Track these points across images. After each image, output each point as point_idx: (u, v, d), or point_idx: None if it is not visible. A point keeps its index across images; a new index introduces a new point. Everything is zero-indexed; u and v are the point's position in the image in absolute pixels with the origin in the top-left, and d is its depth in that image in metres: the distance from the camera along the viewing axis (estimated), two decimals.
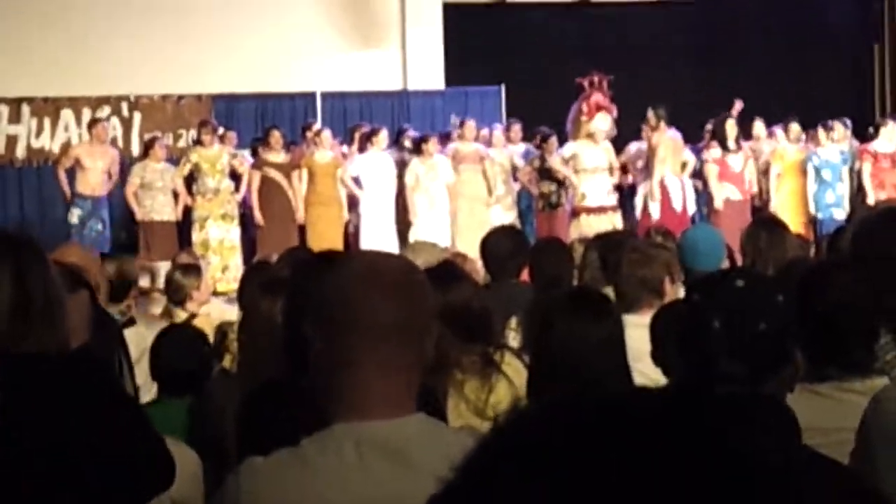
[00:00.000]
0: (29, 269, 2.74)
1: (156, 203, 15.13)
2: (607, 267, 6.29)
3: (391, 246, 13.63)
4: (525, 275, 6.61)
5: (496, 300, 5.21)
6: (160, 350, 5.12)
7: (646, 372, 4.24)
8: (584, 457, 0.98)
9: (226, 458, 3.41)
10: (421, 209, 14.98)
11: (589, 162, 14.80)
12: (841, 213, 14.70)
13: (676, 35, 19.78)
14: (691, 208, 14.66)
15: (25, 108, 16.77)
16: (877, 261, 3.79)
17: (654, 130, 14.57)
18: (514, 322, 5.61)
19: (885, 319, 3.55)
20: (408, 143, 15.71)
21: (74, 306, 3.01)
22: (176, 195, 15.22)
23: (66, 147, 15.99)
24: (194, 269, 8.04)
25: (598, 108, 14.77)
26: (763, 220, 8.53)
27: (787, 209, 15.11)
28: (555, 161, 15.01)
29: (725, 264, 6.66)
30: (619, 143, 15.30)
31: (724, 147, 14.86)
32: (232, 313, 7.47)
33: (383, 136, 15.40)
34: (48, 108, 16.80)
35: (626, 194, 15.33)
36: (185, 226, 15.25)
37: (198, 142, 15.46)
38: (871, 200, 14.80)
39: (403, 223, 15.16)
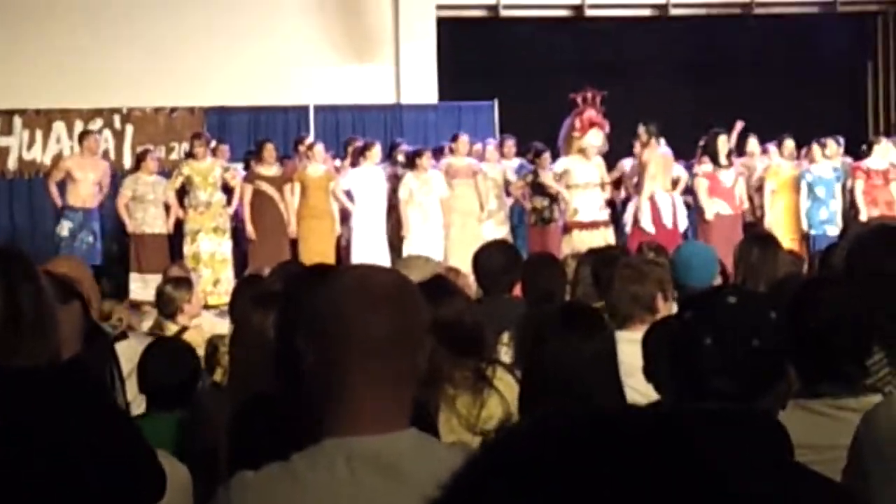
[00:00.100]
0: (19, 283, 2.74)
1: (147, 216, 15.12)
2: (600, 282, 6.30)
3: (383, 260, 13.64)
4: (517, 290, 6.61)
5: (488, 315, 5.21)
6: (148, 364, 5.09)
7: (638, 388, 4.24)
8: (572, 475, 0.98)
9: (216, 472, 3.40)
10: (414, 223, 14.99)
11: (581, 177, 14.84)
12: (834, 230, 14.74)
13: (671, 51, 19.82)
14: (682, 225, 14.69)
15: (17, 120, 16.74)
16: (870, 277, 3.80)
17: (644, 147, 14.61)
18: (506, 337, 5.61)
19: (878, 336, 3.55)
20: (401, 158, 15.72)
21: (66, 317, 3.01)
22: (168, 208, 15.21)
23: (58, 159, 15.97)
24: (185, 283, 8.04)
25: (591, 124, 14.82)
26: (755, 237, 8.55)
27: (780, 225, 15.17)
28: (547, 177, 15.05)
29: (718, 280, 6.67)
30: (611, 159, 15.33)
31: (716, 162, 14.90)
32: (223, 327, 7.47)
33: (376, 151, 15.41)
34: (40, 120, 16.79)
35: (618, 210, 15.35)
36: (176, 239, 15.24)
37: (190, 154, 15.46)
38: (863, 217, 14.84)
39: (396, 237, 15.16)
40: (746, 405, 2.58)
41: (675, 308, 5.17)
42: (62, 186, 15.00)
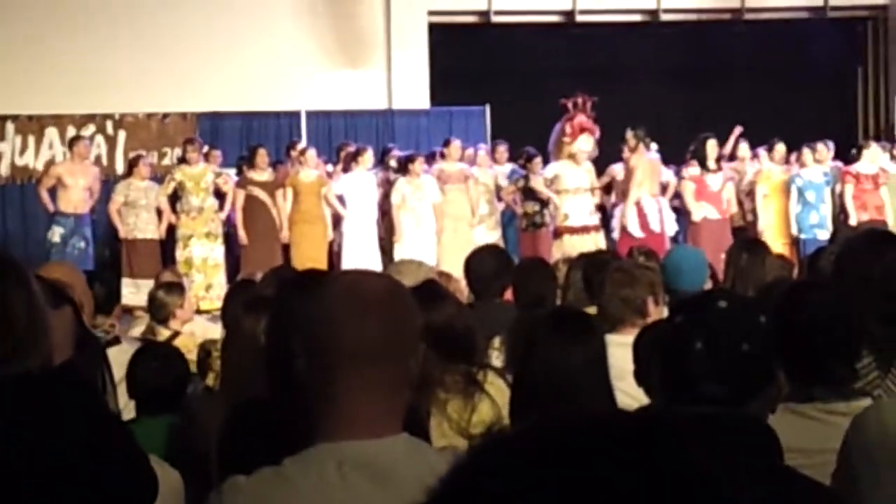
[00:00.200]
0: (10, 290, 2.74)
1: (139, 221, 15.11)
2: (591, 287, 6.31)
3: (374, 265, 13.63)
4: (509, 294, 6.62)
5: (480, 319, 5.21)
6: (137, 369, 5.09)
7: (628, 391, 4.24)
8: (563, 479, 0.98)
9: (208, 477, 3.40)
10: (407, 228, 14.98)
11: (571, 182, 14.85)
12: (824, 234, 14.75)
13: (662, 56, 19.84)
14: (670, 230, 14.71)
15: (9, 126, 16.73)
16: (859, 281, 3.81)
17: (632, 152, 14.64)
18: (497, 341, 5.61)
19: (867, 340, 3.56)
20: (393, 163, 15.72)
21: (58, 322, 3.01)
22: (160, 213, 15.21)
23: (50, 165, 15.96)
24: (177, 288, 8.03)
25: (582, 129, 14.83)
26: (744, 241, 8.57)
27: (771, 230, 15.18)
28: (537, 182, 15.06)
29: (709, 285, 6.68)
30: (602, 164, 15.34)
31: (703, 166, 14.93)
32: (215, 331, 7.46)
33: (368, 156, 15.41)
34: (32, 125, 16.77)
35: (609, 214, 15.37)
36: (168, 244, 15.23)
37: (183, 159, 15.45)
38: (853, 221, 14.87)
39: (389, 242, 15.16)
40: (737, 409, 2.59)
41: (665, 312, 5.18)
42: (53, 192, 14.98)
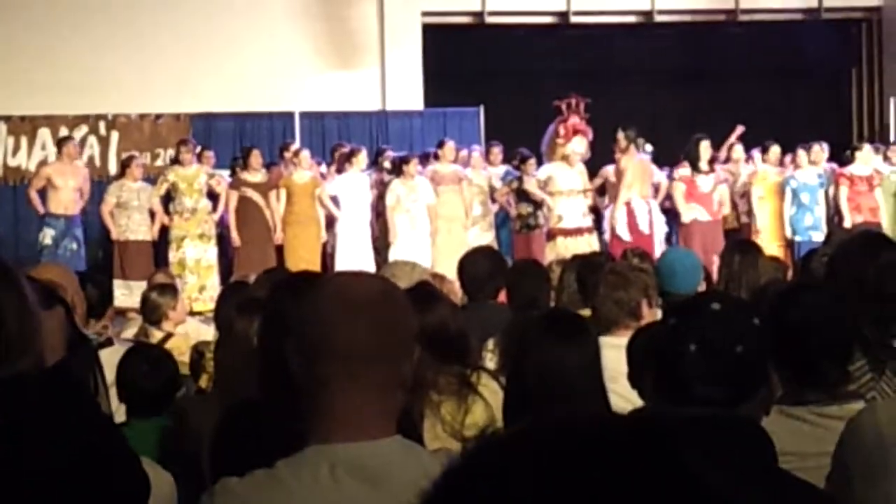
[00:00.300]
0: (1, 292, 2.73)
1: (131, 222, 15.10)
2: (585, 289, 6.31)
3: (368, 266, 13.63)
4: (503, 296, 6.61)
5: (473, 321, 5.21)
6: (126, 371, 5.06)
7: (622, 393, 4.24)
8: (556, 482, 0.98)
9: (201, 479, 3.39)
10: (402, 230, 14.98)
11: (564, 184, 14.86)
12: (819, 236, 14.74)
13: (657, 57, 19.87)
14: (659, 232, 14.72)
15: (2, 127, 16.71)
16: (852, 283, 3.81)
17: (623, 153, 14.65)
18: (491, 343, 5.61)
19: (860, 342, 3.56)
20: (387, 164, 15.72)
21: (50, 323, 3.00)
22: (153, 214, 15.19)
23: (42, 166, 15.94)
24: (170, 289, 8.02)
25: (575, 131, 14.84)
26: (737, 243, 8.58)
27: (767, 232, 15.19)
28: (530, 184, 15.06)
29: (703, 287, 6.68)
30: (595, 165, 15.35)
31: (695, 167, 14.94)
32: (208, 333, 7.46)
33: (362, 157, 15.41)
34: (25, 126, 16.75)
35: (602, 216, 15.38)
36: (161, 245, 15.22)
37: (176, 160, 15.43)
38: (847, 223, 14.88)
39: (383, 244, 15.16)
40: (731, 411, 2.59)
41: (659, 314, 5.18)
42: (43, 194, 14.95)
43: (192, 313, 11.72)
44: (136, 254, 15.01)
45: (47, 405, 2.71)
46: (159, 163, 16.70)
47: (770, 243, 14.54)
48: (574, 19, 19.03)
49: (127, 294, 13.93)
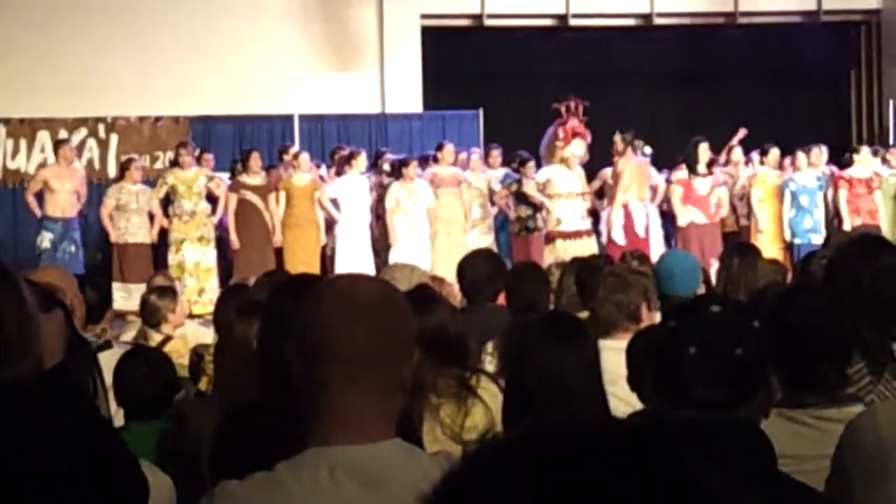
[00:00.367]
0: (0, 295, 2.73)
1: (130, 225, 15.09)
2: (584, 292, 6.31)
3: (367, 269, 13.63)
4: (502, 299, 6.61)
5: (472, 324, 5.21)
6: (123, 374, 5.04)
7: (622, 396, 4.24)
8: (557, 485, 0.98)
9: (200, 482, 3.39)
10: (401, 232, 14.98)
11: (563, 187, 14.86)
12: (819, 239, 14.75)
13: (656, 60, 19.87)
14: (656, 235, 14.74)
15: (1, 129, 16.72)
16: (851, 286, 3.81)
17: (620, 155, 14.67)
18: (490, 346, 5.61)
19: (859, 345, 3.56)
20: (386, 167, 15.72)
21: (49, 326, 3.00)
22: (152, 217, 15.19)
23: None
24: (170, 292, 8.02)
25: (575, 134, 14.84)
26: (736, 246, 8.59)
27: (767, 234, 15.18)
28: (529, 186, 15.06)
29: (702, 290, 6.69)
30: (595, 168, 15.36)
31: (692, 170, 14.94)
32: (207, 336, 7.46)
33: (362, 159, 15.41)
34: (24, 129, 16.76)
35: (601, 219, 15.40)
36: (161, 248, 15.22)
37: (176, 163, 15.44)
38: (847, 226, 14.87)
39: (383, 246, 15.16)
40: (730, 414, 2.59)
41: (658, 317, 5.18)
42: (40, 197, 14.95)
43: (191, 316, 11.72)
44: (135, 257, 15.00)
45: (46, 408, 2.71)
46: (158, 165, 16.71)
47: (770, 246, 14.54)
48: (573, 22, 19.04)
49: (126, 297, 13.93)
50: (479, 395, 4.28)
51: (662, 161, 15.76)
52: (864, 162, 15.49)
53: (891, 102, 18.91)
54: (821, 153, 15.80)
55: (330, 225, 15.35)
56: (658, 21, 19.23)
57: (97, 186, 16.16)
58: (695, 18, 19.52)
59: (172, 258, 14.94)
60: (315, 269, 14.21)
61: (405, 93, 18.23)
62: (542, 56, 19.31)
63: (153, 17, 17.35)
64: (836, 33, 20.23)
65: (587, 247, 14.26)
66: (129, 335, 8.07)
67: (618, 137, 14.65)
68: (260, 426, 2.95)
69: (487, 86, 18.80)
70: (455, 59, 18.89)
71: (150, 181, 15.64)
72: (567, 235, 14.71)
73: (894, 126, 18.70)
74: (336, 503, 2.16)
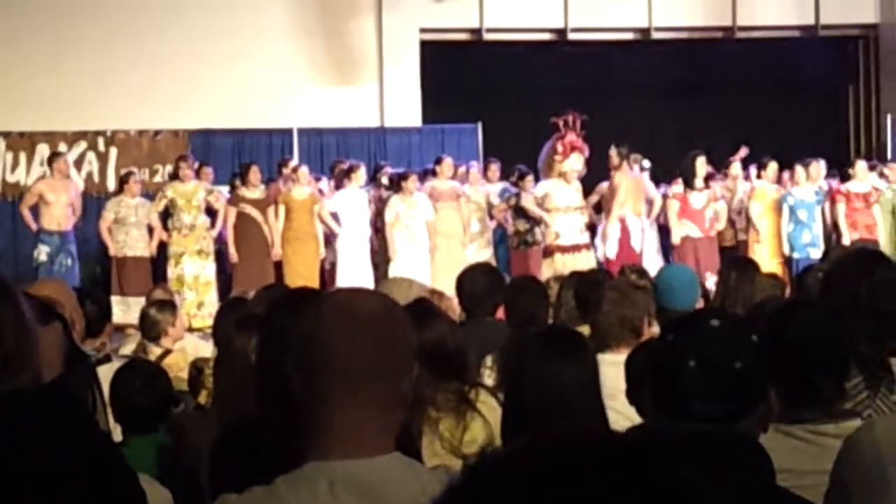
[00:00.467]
0: None
1: (129, 238, 15.10)
2: (583, 305, 6.31)
3: (367, 282, 13.63)
4: (501, 313, 6.62)
5: (471, 338, 5.21)
6: (120, 388, 5.04)
7: (620, 410, 4.24)
8: (557, 500, 0.98)
9: (200, 495, 3.39)
10: (401, 246, 14.98)
11: (561, 201, 14.87)
12: (817, 253, 14.74)
13: (654, 74, 19.88)
14: (649, 249, 14.77)
15: (1, 143, 16.73)
16: (848, 300, 3.81)
17: (616, 170, 14.70)
18: (489, 360, 5.61)
19: (856, 360, 3.56)
20: (384, 180, 15.73)
21: (47, 339, 3.00)
22: (151, 231, 15.20)
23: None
24: (169, 305, 8.02)
25: (573, 148, 14.85)
26: (734, 260, 8.60)
27: (766, 248, 15.18)
28: (528, 201, 15.07)
29: (700, 304, 6.69)
30: (592, 182, 15.38)
31: (688, 184, 14.96)
32: (206, 349, 7.45)
33: (361, 173, 15.42)
34: (24, 142, 16.77)
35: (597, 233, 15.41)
36: (160, 261, 15.22)
37: (175, 176, 15.45)
38: (846, 241, 14.87)
39: (382, 260, 15.15)
40: (729, 427, 2.59)
41: (657, 331, 5.18)
42: (35, 211, 14.96)
43: (190, 329, 11.71)
44: (134, 270, 15.01)
45: (44, 421, 2.71)
46: (158, 179, 16.72)
47: (769, 260, 14.54)
48: (572, 36, 19.05)
49: (125, 310, 13.92)
50: (478, 409, 4.28)
51: (661, 175, 15.76)
52: (861, 176, 15.50)
53: (888, 117, 18.92)
54: (819, 167, 15.80)
55: (328, 239, 15.35)
56: (656, 35, 19.25)
57: (96, 200, 16.17)
58: (693, 33, 19.54)
59: (172, 271, 14.95)
60: (314, 282, 14.22)
61: (404, 107, 18.24)
62: (541, 70, 19.33)
63: (153, 32, 17.36)
64: (834, 48, 20.26)
65: (586, 260, 14.26)
66: (128, 349, 8.07)
67: (613, 151, 14.68)
68: (259, 440, 2.95)
69: (486, 100, 18.81)
70: (454, 73, 18.90)
71: (150, 195, 15.66)
72: (565, 249, 14.72)
73: (892, 140, 18.71)
74: None
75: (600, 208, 15.38)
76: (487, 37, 18.90)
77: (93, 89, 16.96)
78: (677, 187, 15.06)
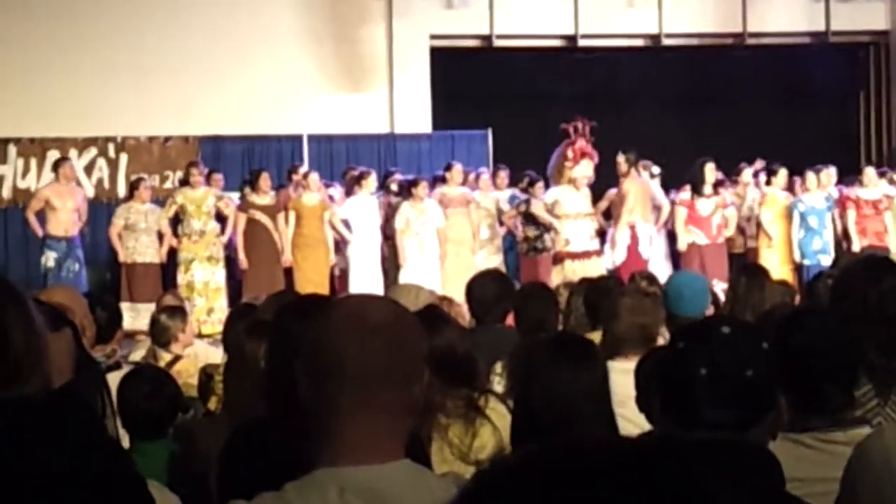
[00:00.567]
0: (8, 314, 2.73)
1: (139, 245, 15.12)
2: (593, 312, 6.30)
3: (378, 289, 13.63)
4: (510, 319, 6.61)
5: (481, 344, 5.21)
6: (127, 393, 5.03)
7: (630, 417, 4.23)
8: None
9: (209, 502, 3.39)
10: (411, 253, 14.98)
11: (571, 207, 14.87)
12: (828, 260, 14.74)
13: (664, 81, 19.87)
14: (656, 256, 14.79)
15: (12, 149, 16.76)
16: (857, 306, 3.80)
17: (624, 176, 14.70)
18: (498, 366, 5.60)
19: (865, 367, 3.55)
20: (394, 187, 15.73)
21: (57, 344, 3.00)
22: (161, 237, 15.22)
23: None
24: (180, 311, 8.03)
25: (583, 154, 14.85)
26: (744, 267, 8.59)
27: (778, 255, 15.17)
28: (537, 207, 15.06)
29: (710, 311, 6.68)
30: (601, 188, 15.38)
31: (696, 191, 14.95)
32: (216, 355, 7.46)
33: (372, 180, 15.44)
34: (35, 148, 16.80)
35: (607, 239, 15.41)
36: (170, 267, 15.24)
37: (186, 181, 15.48)
38: (856, 247, 14.86)
39: (392, 266, 15.16)
40: (739, 435, 2.59)
41: (667, 338, 5.17)
42: (41, 216, 14.97)
43: (200, 336, 11.73)
44: (143, 276, 15.03)
45: (53, 427, 2.71)
46: (168, 185, 16.74)
47: (781, 266, 14.53)
48: (582, 42, 19.06)
49: (134, 316, 13.93)
50: (488, 416, 4.28)
51: (671, 181, 15.76)
52: (870, 182, 15.49)
53: None
54: (830, 174, 15.79)
55: (339, 245, 15.36)
56: (667, 42, 19.24)
57: (107, 206, 16.20)
58: (703, 39, 19.53)
59: (182, 278, 14.96)
60: (324, 288, 14.22)
61: (414, 113, 18.25)
62: (551, 76, 19.33)
63: (163, 38, 17.39)
64: (844, 54, 20.24)
65: (596, 267, 14.25)
66: (138, 355, 8.09)
67: (621, 158, 14.68)
68: (268, 444, 2.94)
69: (496, 106, 18.82)
70: (464, 79, 18.91)
71: (160, 201, 15.69)
72: (576, 256, 14.71)
73: None
74: None
75: (609, 215, 15.38)
76: (498, 43, 18.90)
77: (103, 96, 16.99)
78: (685, 194, 15.05)
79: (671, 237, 15.31)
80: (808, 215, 15.25)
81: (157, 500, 2.93)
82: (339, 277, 15.38)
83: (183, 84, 17.31)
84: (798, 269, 15.12)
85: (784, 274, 13.55)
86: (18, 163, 16.78)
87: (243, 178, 16.19)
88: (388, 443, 2.22)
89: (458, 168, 15.66)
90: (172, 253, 15.21)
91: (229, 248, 15.38)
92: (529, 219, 15.26)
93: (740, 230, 15.71)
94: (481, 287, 6.71)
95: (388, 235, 15.27)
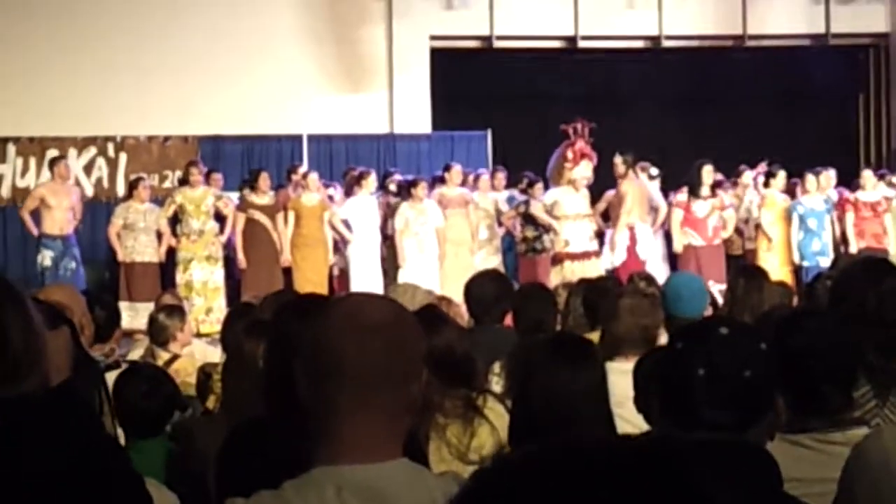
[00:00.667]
0: (6, 312, 2.73)
1: (137, 244, 15.12)
2: (591, 313, 6.31)
3: (378, 289, 13.62)
4: (509, 319, 6.61)
5: (479, 344, 5.21)
6: (124, 391, 5.03)
7: (628, 418, 4.23)
8: None
9: (207, 500, 3.39)
10: (410, 253, 14.99)
11: (570, 208, 14.88)
12: (827, 261, 14.74)
13: (664, 82, 19.87)
14: (654, 257, 14.80)
15: (11, 148, 16.76)
16: (855, 309, 3.80)
17: (622, 178, 14.71)
18: (497, 367, 5.60)
19: (864, 368, 3.55)
20: (392, 187, 15.74)
21: (55, 343, 3.00)
22: (160, 236, 15.22)
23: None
24: (178, 311, 8.04)
25: (583, 155, 14.86)
26: (742, 268, 8.59)
27: (776, 257, 15.18)
28: (536, 208, 15.07)
29: (709, 312, 6.68)
30: (600, 189, 15.39)
31: (693, 192, 14.96)
32: (215, 355, 7.47)
33: (372, 180, 15.44)
34: (34, 147, 16.79)
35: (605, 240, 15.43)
36: (168, 267, 15.24)
37: (185, 181, 15.48)
38: (853, 249, 14.87)
39: (391, 267, 15.16)
40: (737, 436, 2.59)
41: (665, 338, 5.17)
42: (36, 215, 14.97)
43: (198, 335, 11.73)
44: (142, 275, 15.03)
45: (51, 425, 2.71)
46: (167, 185, 16.74)
47: (780, 268, 14.54)
48: (582, 44, 19.06)
49: (133, 315, 13.93)
50: (486, 416, 4.28)
51: (671, 183, 15.76)
52: (868, 184, 15.50)
53: None
54: (829, 176, 15.80)
55: (338, 245, 15.37)
56: (666, 43, 19.24)
57: (106, 205, 16.21)
58: (703, 41, 19.53)
59: (180, 277, 14.97)
60: (323, 288, 14.23)
61: (414, 113, 18.25)
62: (551, 78, 19.33)
63: (162, 37, 17.40)
64: (844, 56, 20.24)
65: (595, 268, 14.27)
66: (136, 354, 8.09)
67: (618, 159, 14.69)
68: (266, 444, 2.94)
69: (496, 107, 18.82)
70: (464, 80, 18.91)
71: (159, 200, 15.69)
72: (575, 257, 14.73)
73: None
74: None
75: (607, 216, 15.39)
76: (497, 44, 18.90)
77: (103, 95, 16.99)
78: (681, 196, 15.06)
79: (668, 239, 15.31)
80: (808, 217, 15.26)
81: (155, 498, 2.93)
82: (339, 277, 15.38)
83: (183, 84, 17.32)
84: (797, 270, 15.12)
85: (783, 275, 13.56)
86: (17, 162, 16.78)
87: (242, 178, 16.19)
88: (387, 442, 2.23)
89: (457, 169, 15.66)
90: (171, 252, 15.22)
91: (228, 247, 15.38)
92: (528, 219, 15.27)
93: (738, 232, 15.71)
94: (480, 287, 6.72)
95: (387, 236, 15.27)
